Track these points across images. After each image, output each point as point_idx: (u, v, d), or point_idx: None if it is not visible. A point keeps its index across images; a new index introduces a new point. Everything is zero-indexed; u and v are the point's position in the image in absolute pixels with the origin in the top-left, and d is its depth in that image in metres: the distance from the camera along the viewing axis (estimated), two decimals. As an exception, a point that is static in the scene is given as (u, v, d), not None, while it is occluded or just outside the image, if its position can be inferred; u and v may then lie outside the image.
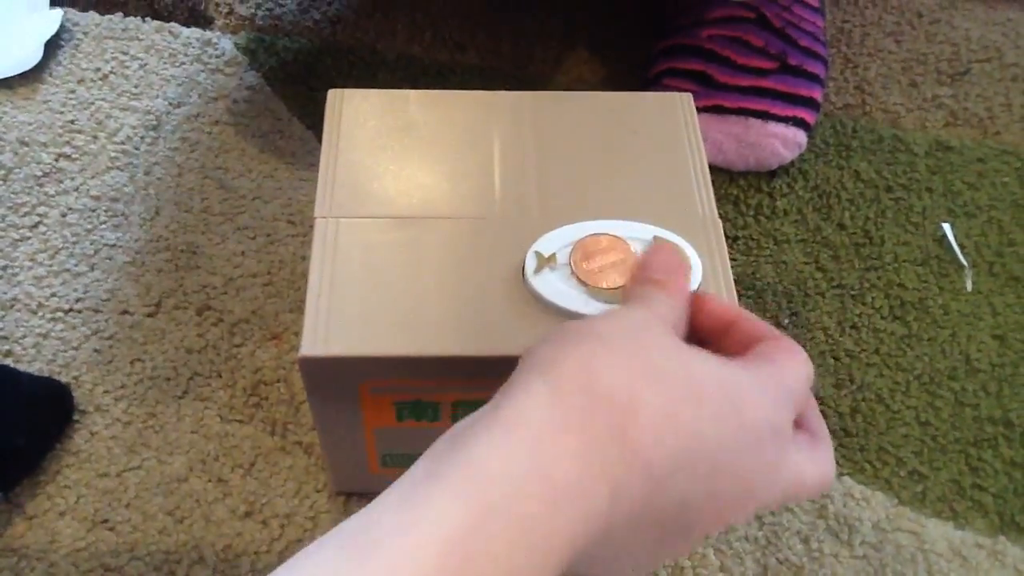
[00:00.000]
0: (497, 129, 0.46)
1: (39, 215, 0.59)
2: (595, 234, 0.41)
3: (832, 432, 0.53)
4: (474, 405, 0.42)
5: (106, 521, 0.48)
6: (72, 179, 0.61)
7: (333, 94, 0.47)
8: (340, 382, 0.40)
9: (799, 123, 0.63)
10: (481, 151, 0.45)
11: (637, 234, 0.41)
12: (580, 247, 0.40)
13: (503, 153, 0.45)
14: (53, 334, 0.54)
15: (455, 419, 0.43)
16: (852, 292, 0.59)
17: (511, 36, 0.73)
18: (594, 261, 0.40)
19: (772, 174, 0.64)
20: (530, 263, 0.40)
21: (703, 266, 0.41)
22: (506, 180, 0.44)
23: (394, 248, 0.41)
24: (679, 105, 0.48)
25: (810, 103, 0.63)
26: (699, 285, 0.40)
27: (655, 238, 0.41)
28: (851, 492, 0.51)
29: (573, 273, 0.40)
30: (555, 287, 0.39)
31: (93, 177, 0.61)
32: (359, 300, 0.39)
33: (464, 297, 0.40)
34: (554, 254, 0.40)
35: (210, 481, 0.49)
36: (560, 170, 0.45)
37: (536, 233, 0.41)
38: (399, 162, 0.44)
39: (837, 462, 0.52)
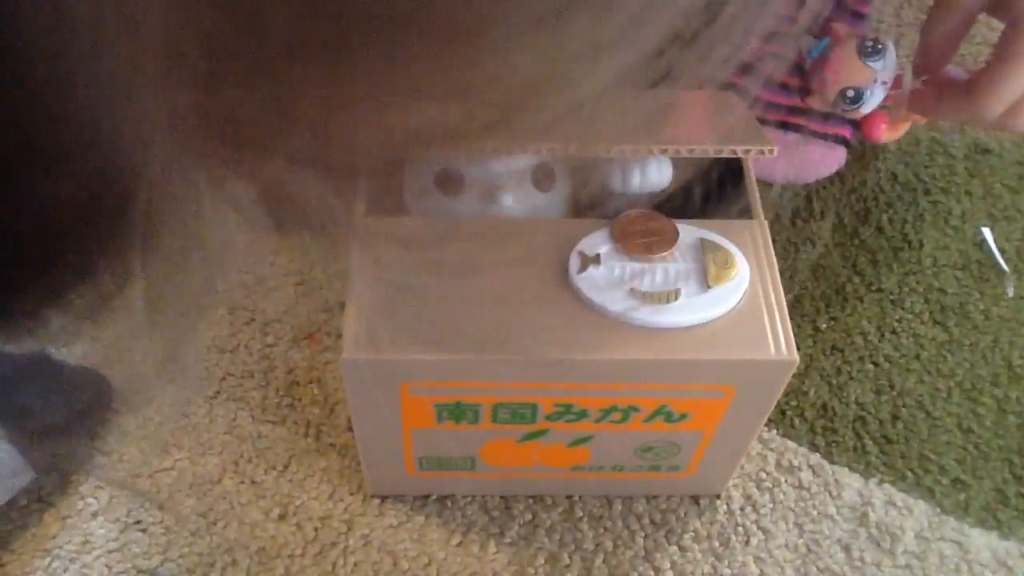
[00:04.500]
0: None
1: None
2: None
3: (872, 439, 0.52)
4: (515, 408, 0.42)
5: (139, 522, 0.47)
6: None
7: None
8: (381, 384, 0.39)
9: (839, 140, 0.62)
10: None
11: (684, 237, 0.41)
12: (620, 222, 0.40)
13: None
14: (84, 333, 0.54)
15: (495, 422, 0.43)
16: (891, 296, 0.58)
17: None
18: (636, 232, 0.40)
19: (808, 176, 0.63)
20: (574, 263, 0.39)
21: (750, 270, 0.40)
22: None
23: (433, 246, 0.40)
24: (730, 104, 0.47)
25: (850, 120, 0.62)
26: (745, 291, 0.39)
27: (702, 240, 0.41)
28: (893, 500, 0.50)
29: (616, 243, 0.39)
30: (599, 287, 0.39)
31: (125, 175, 0.61)
32: (400, 301, 0.39)
33: (506, 299, 0.39)
34: (598, 254, 0.40)
35: (243, 483, 0.49)
36: (603, 170, 0.44)
37: (580, 233, 0.41)
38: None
39: (877, 469, 0.51)
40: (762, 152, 0.41)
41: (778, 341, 0.38)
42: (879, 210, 0.62)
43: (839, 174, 0.63)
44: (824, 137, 0.60)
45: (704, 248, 0.40)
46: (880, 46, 0.52)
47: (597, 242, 0.40)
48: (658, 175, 0.44)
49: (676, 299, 0.39)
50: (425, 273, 0.39)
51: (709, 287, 0.39)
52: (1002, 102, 0.44)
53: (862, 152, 0.65)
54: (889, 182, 0.64)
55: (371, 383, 0.39)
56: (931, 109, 0.49)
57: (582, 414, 0.42)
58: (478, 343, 0.38)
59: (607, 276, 0.39)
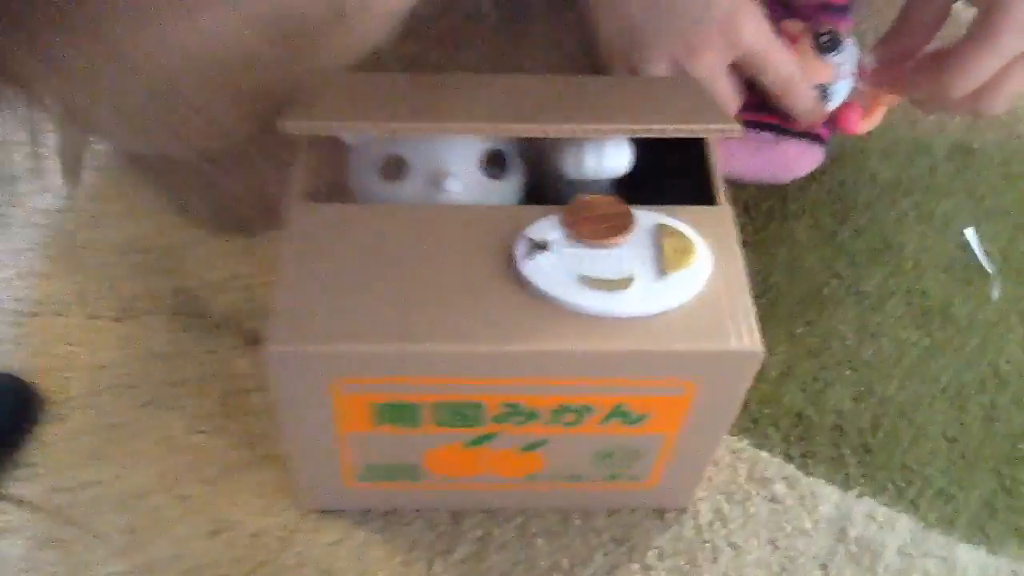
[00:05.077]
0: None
1: (5, 215, 0.56)
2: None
3: (851, 449, 0.49)
4: (457, 408, 0.38)
5: (55, 540, 0.43)
6: (46, 179, 0.57)
7: None
8: (311, 380, 0.36)
9: (815, 138, 0.59)
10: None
11: (641, 221, 0.38)
12: (571, 207, 0.37)
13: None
14: (11, 339, 0.50)
15: (437, 424, 0.39)
16: (871, 300, 0.55)
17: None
18: (589, 218, 0.37)
19: (783, 177, 0.60)
20: (520, 249, 0.36)
21: (713, 257, 0.37)
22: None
23: (372, 234, 0.37)
24: (693, 88, 0.45)
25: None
26: (705, 279, 0.36)
27: (660, 226, 0.38)
28: (873, 514, 0.46)
29: (566, 229, 0.36)
30: (547, 274, 0.35)
31: (65, 176, 0.58)
32: (333, 291, 0.35)
33: (447, 287, 0.36)
34: (547, 240, 0.37)
35: (173, 497, 0.45)
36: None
37: (528, 219, 0.38)
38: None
39: (857, 481, 0.47)
40: (724, 132, 0.38)
41: (740, 331, 0.35)
42: (858, 211, 0.59)
43: (816, 174, 0.60)
44: (799, 136, 0.57)
45: (662, 233, 0.37)
46: (836, 38, 0.50)
47: (546, 227, 0.37)
48: (616, 159, 0.41)
49: (629, 286, 0.35)
50: (361, 261, 0.36)
51: (665, 274, 0.36)
52: (970, 82, 0.43)
53: (840, 152, 0.62)
54: (869, 183, 0.61)
55: (300, 379, 0.36)
56: (898, 83, 0.48)
57: (531, 415, 0.38)
58: (415, 334, 0.34)
59: (556, 263, 0.36)
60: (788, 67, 0.48)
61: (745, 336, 0.35)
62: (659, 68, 0.50)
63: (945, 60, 0.43)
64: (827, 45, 0.49)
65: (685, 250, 0.37)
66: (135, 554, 0.43)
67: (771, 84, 0.48)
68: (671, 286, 0.36)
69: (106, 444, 0.47)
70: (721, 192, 0.40)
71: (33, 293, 0.52)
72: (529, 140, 0.44)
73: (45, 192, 0.57)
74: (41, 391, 0.48)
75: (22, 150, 0.59)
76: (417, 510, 0.45)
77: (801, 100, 0.49)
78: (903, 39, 0.48)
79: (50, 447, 0.46)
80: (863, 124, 0.54)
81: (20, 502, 0.45)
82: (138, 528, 0.44)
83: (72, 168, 0.33)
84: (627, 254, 0.37)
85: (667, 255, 0.36)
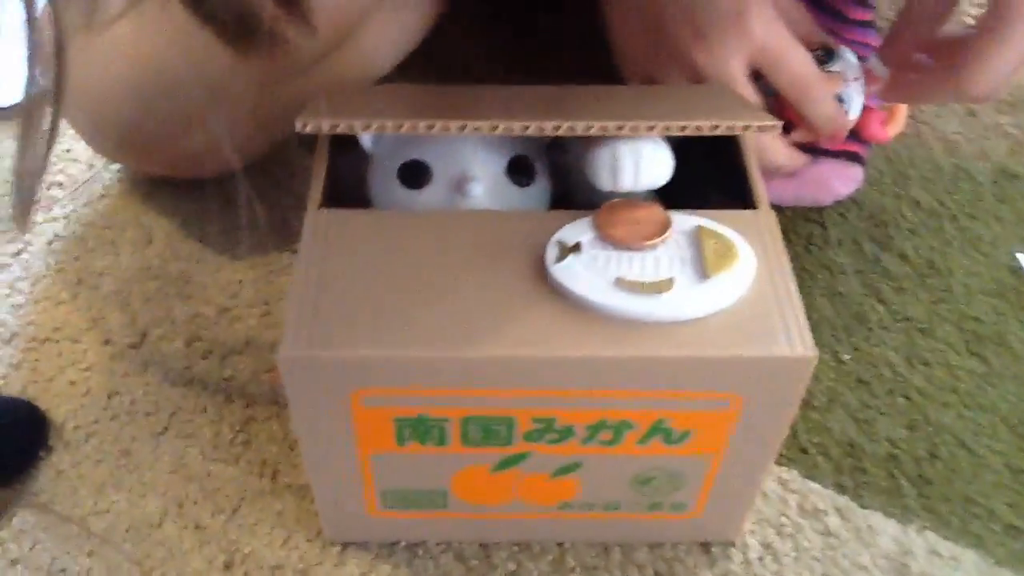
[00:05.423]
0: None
1: (24, 242, 0.55)
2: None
3: (908, 479, 0.45)
4: (487, 423, 0.36)
5: (63, 571, 0.41)
6: (63, 207, 0.57)
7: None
8: (329, 392, 0.34)
9: (852, 157, 0.57)
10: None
11: (680, 225, 0.36)
12: (603, 210, 0.35)
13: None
14: (26, 364, 0.49)
15: (465, 443, 0.37)
16: (920, 326, 0.52)
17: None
18: (623, 220, 0.35)
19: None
20: (551, 253, 0.34)
21: (756, 259, 0.35)
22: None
23: (393, 240, 0.35)
24: (726, 93, 0.43)
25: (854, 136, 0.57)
26: (750, 283, 0.34)
27: (699, 228, 0.36)
28: (936, 549, 0.43)
29: (599, 232, 0.34)
30: (580, 277, 0.33)
31: (85, 205, 0.57)
32: (353, 296, 0.33)
33: (474, 292, 0.34)
34: (579, 243, 0.35)
35: (186, 527, 0.43)
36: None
37: (558, 224, 0.36)
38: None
39: (916, 513, 0.44)
40: (763, 128, 0.36)
41: (791, 335, 0.33)
42: (902, 236, 0.57)
43: (855, 200, 0.58)
44: (835, 155, 0.55)
45: (702, 235, 0.35)
46: (829, 49, 0.49)
47: (578, 230, 0.35)
48: (655, 168, 0.37)
49: (669, 289, 0.33)
50: (381, 267, 0.34)
51: (707, 276, 0.34)
52: (995, 77, 0.41)
53: (879, 178, 0.60)
54: (911, 208, 0.58)
55: (317, 390, 0.34)
56: (912, 94, 0.46)
57: (566, 432, 0.36)
58: (440, 340, 0.32)
59: (589, 265, 0.34)
60: (804, 67, 0.46)
61: (797, 340, 0.33)
62: (673, 72, 0.48)
63: (965, 62, 0.41)
64: (822, 58, 0.48)
65: (727, 252, 0.35)
66: (144, 588, 0.41)
67: (788, 86, 0.46)
68: (713, 289, 0.33)
69: (119, 472, 0.44)
70: (762, 194, 0.38)
71: (49, 319, 0.51)
72: (558, 149, 0.42)
73: (63, 220, 0.56)
74: (55, 417, 0.46)
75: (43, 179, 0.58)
76: (446, 542, 0.42)
77: (820, 105, 0.47)
78: (907, 35, 0.46)
79: (62, 474, 0.44)
80: (889, 129, 0.52)
81: (25, 531, 0.42)
82: (149, 559, 0.41)
83: (24, 208, 0.31)
84: (665, 256, 0.34)
85: (707, 257, 0.34)
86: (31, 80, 0.27)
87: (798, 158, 0.51)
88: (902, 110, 0.52)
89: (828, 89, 0.47)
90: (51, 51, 0.26)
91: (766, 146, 0.49)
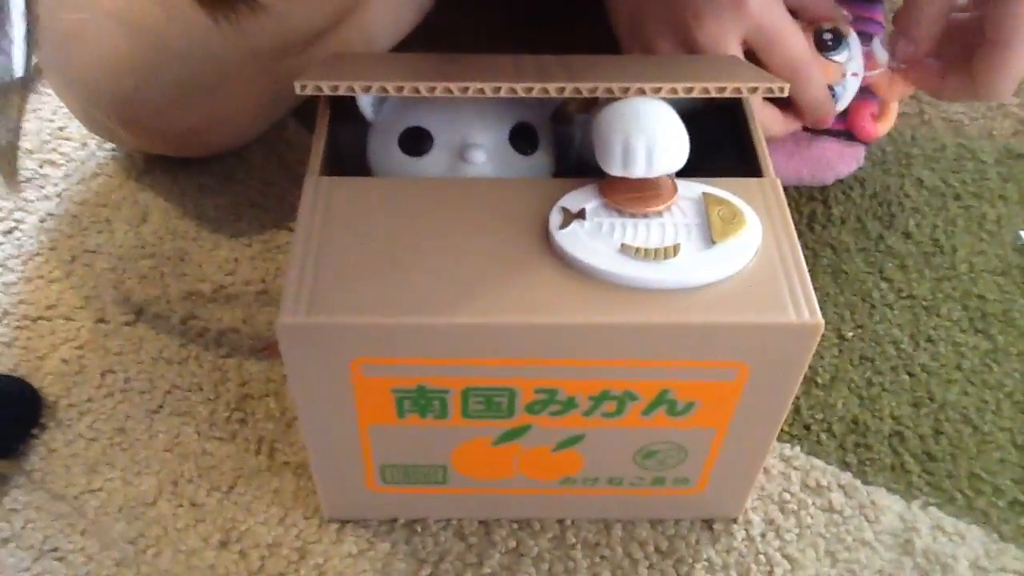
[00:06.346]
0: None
1: (15, 220, 0.54)
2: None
3: (913, 456, 0.45)
4: (489, 394, 0.35)
5: (56, 550, 0.40)
6: (55, 185, 0.56)
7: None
8: (328, 360, 0.33)
9: (852, 136, 0.56)
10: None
11: (685, 192, 0.35)
12: (607, 179, 0.34)
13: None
14: (18, 342, 0.48)
15: (466, 415, 0.36)
16: (925, 303, 0.52)
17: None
18: (627, 187, 0.34)
19: (825, 182, 0.57)
20: (555, 219, 0.34)
21: (763, 227, 0.34)
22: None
23: (393, 207, 0.35)
24: (733, 60, 0.43)
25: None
26: (757, 250, 0.33)
27: (705, 195, 0.35)
28: (941, 525, 0.43)
29: (604, 198, 0.34)
30: (584, 243, 0.33)
31: (79, 183, 0.56)
32: (353, 263, 0.33)
33: (475, 258, 0.33)
34: (583, 209, 0.34)
35: (181, 505, 0.42)
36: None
37: (562, 191, 0.35)
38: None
39: (920, 489, 0.44)
40: (771, 90, 0.35)
41: (798, 303, 0.32)
42: (905, 215, 0.56)
43: (859, 179, 0.58)
44: (835, 134, 0.55)
45: (708, 202, 0.35)
46: (840, 35, 0.48)
47: (582, 197, 0.35)
48: (669, 156, 0.34)
49: (675, 255, 0.33)
50: (382, 234, 0.34)
51: (714, 243, 0.33)
52: (1010, 84, 0.42)
53: (882, 158, 0.60)
54: (915, 187, 0.58)
55: (316, 359, 0.33)
56: (935, 87, 0.46)
57: (569, 404, 0.35)
58: (441, 307, 0.32)
59: (593, 231, 0.33)
60: (797, 49, 0.45)
61: (804, 308, 0.32)
62: (667, 43, 0.47)
63: (980, 71, 0.42)
64: (830, 43, 0.47)
65: (733, 219, 0.34)
66: (141, 565, 0.40)
67: (780, 67, 0.46)
68: (720, 256, 0.33)
69: (113, 450, 0.44)
70: (768, 162, 0.37)
71: (42, 297, 0.50)
72: (563, 121, 0.41)
73: (56, 198, 0.55)
74: (47, 396, 0.45)
75: (35, 157, 0.57)
76: (445, 519, 0.42)
77: (811, 88, 0.46)
78: (910, 41, 0.45)
79: (54, 452, 0.44)
80: (879, 126, 0.51)
81: (16, 510, 0.42)
82: (143, 537, 0.41)
83: (9, 167, 0.31)
84: (670, 223, 0.34)
85: (714, 224, 0.34)
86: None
87: (791, 125, 0.50)
88: (893, 107, 0.51)
89: (822, 75, 0.47)
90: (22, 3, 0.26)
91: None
